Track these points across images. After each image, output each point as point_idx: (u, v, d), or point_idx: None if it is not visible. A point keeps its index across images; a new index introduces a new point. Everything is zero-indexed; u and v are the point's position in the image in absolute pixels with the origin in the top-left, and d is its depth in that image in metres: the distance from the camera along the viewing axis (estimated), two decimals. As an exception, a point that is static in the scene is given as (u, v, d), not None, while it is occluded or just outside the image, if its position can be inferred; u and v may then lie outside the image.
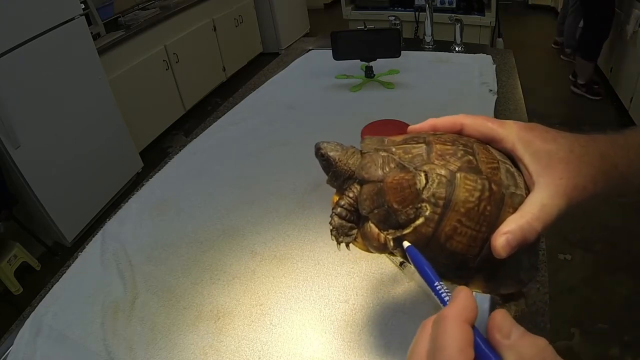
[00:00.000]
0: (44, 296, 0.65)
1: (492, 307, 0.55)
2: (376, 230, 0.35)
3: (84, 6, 2.19)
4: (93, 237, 0.76)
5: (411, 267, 0.60)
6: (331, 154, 0.39)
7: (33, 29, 1.84)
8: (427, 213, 0.33)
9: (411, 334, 0.53)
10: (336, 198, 0.40)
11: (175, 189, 0.85)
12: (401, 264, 0.61)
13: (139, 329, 0.58)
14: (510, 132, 0.37)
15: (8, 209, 1.86)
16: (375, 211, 0.35)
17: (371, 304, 0.57)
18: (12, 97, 1.76)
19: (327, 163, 0.40)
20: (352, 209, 0.38)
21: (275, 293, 0.60)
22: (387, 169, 0.36)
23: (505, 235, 0.32)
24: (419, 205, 0.33)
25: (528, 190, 0.35)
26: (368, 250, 0.39)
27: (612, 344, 1.46)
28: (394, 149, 0.37)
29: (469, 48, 1.35)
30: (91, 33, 2.21)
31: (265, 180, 0.84)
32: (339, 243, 0.39)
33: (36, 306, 0.63)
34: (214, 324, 0.57)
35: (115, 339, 0.57)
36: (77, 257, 0.72)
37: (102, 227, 0.77)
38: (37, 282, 1.99)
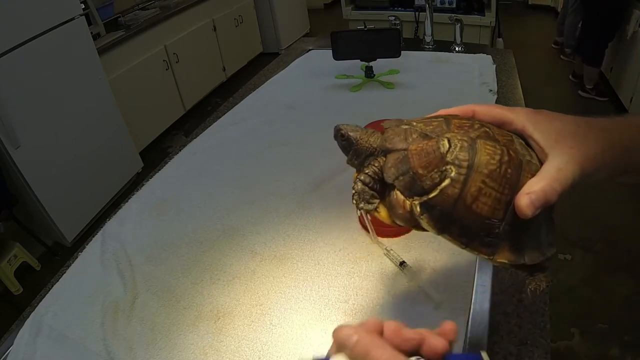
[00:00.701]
0: (44, 296, 0.65)
1: (492, 307, 0.55)
2: (402, 197, 0.36)
3: (84, 6, 2.19)
4: (93, 237, 0.76)
5: (412, 267, 0.60)
6: (351, 133, 0.40)
7: (33, 29, 1.84)
8: (453, 174, 0.34)
9: (411, 334, 0.52)
10: (356, 175, 0.40)
11: (175, 189, 0.85)
12: (401, 264, 0.61)
13: (139, 329, 0.58)
14: (519, 115, 0.39)
15: (8, 209, 1.86)
16: (400, 178, 0.36)
17: (371, 304, 0.57)
18: (12, 97, 1.76)
19: (347, 143, 0.40)
20: (377, 177, 0.38)
21: (275, 293, 0.60)
22: (411, 139, 0.37)
23: (529, 195, 0.33)
24: (444, 168, 0.34)
25: (541, 163, 0.36)
26: (393, 222, 0.39)
27: (612, 344, 1.46)
28: (414, 123, 0.38)
29: (469, 48, 1.35)
30: (91, 33, 2.21)
31: (265, 180, 0.84)
32: (359, 209, 0.39)
33: (36, 306, 0.63)
34: (214, 324, 0.57)
35: (115, 339, 0.57)
36: (77, 257, 0.72)
37: (102, 227, 0.77)
38: (37, 282, 1.99)
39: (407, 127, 0.38)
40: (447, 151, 0.35)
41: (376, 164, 0.38)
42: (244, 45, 3.85)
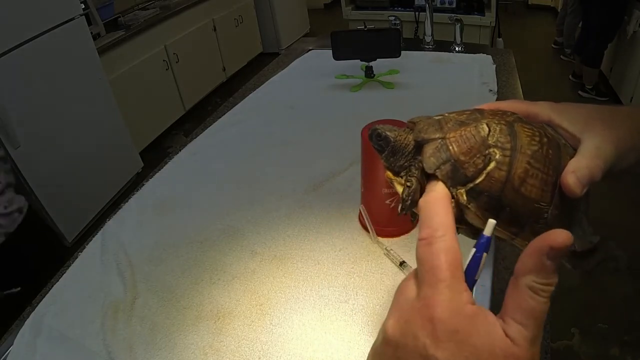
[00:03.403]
0: (44, 296, 0.65)
1: (492, 307, 0.55)
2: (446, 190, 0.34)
3: (84, 6, 2.18)
4: (93, 237, 0.75)
5: (412, 267, 0.60)
6: (388, 133, 0.39)
7: (33, 29, 1.84)
8: (498, 157, 0.33)
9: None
10: (390, 174, 0.39)
11: (175, 189, 0.85)
12: (401, 264, 0.61)
13: (139, 329, 0.58)
14: (544, 107, 0.39)
15: (8, 209, 1.85)
16: (442, 167, 0.34)
17: (371, 304, 0.57)
18: (12, 97, 1.76)
19: (384, 142, 0.39)
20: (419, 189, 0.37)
21: (275, 293, 0.60)
22: (447, 128, 0.35)
23: (574, 172, 0.33)
24: (487, 151, 0.33)
25: (574, 148, 0.36)
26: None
27: (612, 344, 1.46)
28: (447, 114, 0.37)
29: (469, 48, 1.35)
30: (91, 33, 2.21)
31: (265, 180, 0.84)
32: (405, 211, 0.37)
33: (36, 306, 0.63)
34: (214, 324, 0.57)
35: (115, 339, 0.57)
36: (77, 257, 0.72)
37: (102, 227, 0.77)
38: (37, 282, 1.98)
39: (440, 117, 0.37)
40: (488, 135, 0.33)
41: (414, 178, 0.37)
42: (244, 45, 3.85)
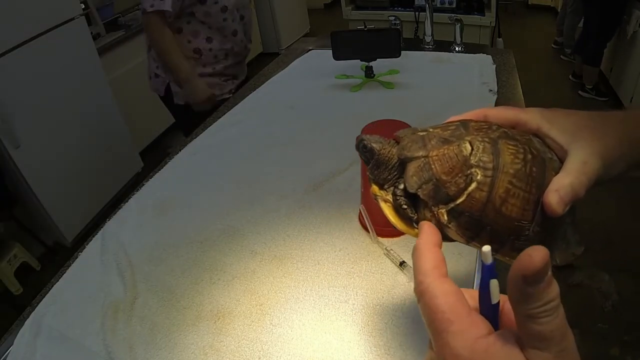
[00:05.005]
0: (44, 296, 0.65)
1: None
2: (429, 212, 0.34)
3: (84, 6, 2.19)
4: (93, 237, 0.75)
5: (412, 267, 0.60)
6: (374, 144, 0.39)
7: (33, 29, 1.84)
8: (479, 177, 0.33)
9: (411, 334, 0.53)
10: (376, 188, 0.39)
11: (175, 189, 0.85)
12: (401, 264, 0.61)
13: (139, 329, 0.58)
14: (533, 115, 0.39)
15: (8, 209, 1.86)
16: (424, 186, 0.34)
17: (371, 304, 0.57)
18: (12, 97, 1.76)
19: (369, 154, 0.39)
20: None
21: (275, 293, 0.60)
22: (430, 145, 0.35)
23: (557, 191, 0.32)
24: (469, 171, 0.33)
25: (561, 160, 0.35)
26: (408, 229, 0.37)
27: (612, 344, 1.46)
28: (431, 129, 0.37)
29: (469, 48, 1.35)
30: (91, 33, 2.21)
31: (265, 180, 0.84)
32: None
33: (36, 306, 0.63)
34: (214, 324, 0.57)
35: (115, 338, 0.57)
36: (77, 257, 0.72)
37: (102, 227, 0.77)
38: (37, 282, 1.98)
39: (424, 133, 0.37)
40: (470, 154, 0.33)
41: (401, 187, 0.37)
42: (244, 45, 3.84)
